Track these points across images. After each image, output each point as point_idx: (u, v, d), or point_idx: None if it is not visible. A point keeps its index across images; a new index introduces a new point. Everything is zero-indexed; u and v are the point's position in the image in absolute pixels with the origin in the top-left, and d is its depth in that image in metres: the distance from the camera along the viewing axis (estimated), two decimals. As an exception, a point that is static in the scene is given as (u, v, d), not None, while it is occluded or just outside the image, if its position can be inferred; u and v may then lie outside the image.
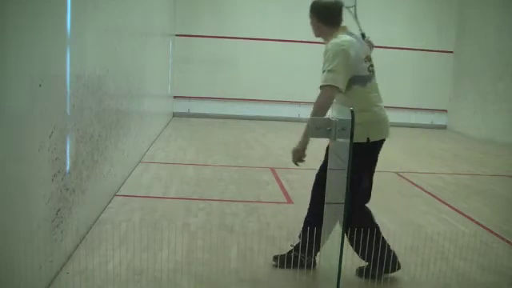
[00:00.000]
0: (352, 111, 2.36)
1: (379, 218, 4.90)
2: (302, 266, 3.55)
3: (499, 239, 4.50)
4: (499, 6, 11.16)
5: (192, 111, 12.68)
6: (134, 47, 6.34)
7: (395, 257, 3.52)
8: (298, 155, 3.36)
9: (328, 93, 3.24)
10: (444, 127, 13.13)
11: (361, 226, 3.33)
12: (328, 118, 2.52)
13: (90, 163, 4.13)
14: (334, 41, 3.36)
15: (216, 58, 12.63)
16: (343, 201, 2.44)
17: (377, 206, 5.36)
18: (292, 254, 3.63)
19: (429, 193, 6.10)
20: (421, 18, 12.80)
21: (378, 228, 3.52)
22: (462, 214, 5.22)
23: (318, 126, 2.45)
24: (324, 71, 3.29)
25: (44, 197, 3.04)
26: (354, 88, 3.33)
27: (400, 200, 5.81)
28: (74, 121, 3.58)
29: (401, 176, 6.90)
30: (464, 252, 4.01)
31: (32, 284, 2.84)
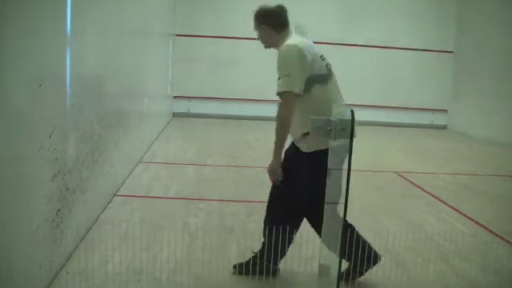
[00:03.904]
0: (352, 111, 2.35)
1: (379, 218, 4.92)
2: (261, 272, 3.43)
3: (499, 239, 4.50)
4: (499, 5, 11.17)
5: (192, 111, 12.68)
6: (133, 47, 6.34)
7: (373, 250, 3.39)
8: (277, 173, 3.30)
9: (287, 100, 3.15)
10: (444, 127, 13.13)
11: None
12: (328, 118, 2.51)
13: (90, 163, 4.13)
14: (285, 44, 3.26)
15: (216, 58, 12.63)
16: (343, 201, 2.44)
17: (377, 206, 5.40)
18: (253, 261, 3.49)
19: (429, 193, 6.10)
20: (421, 17, 12.79)
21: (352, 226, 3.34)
22: (462, 214, 5.22)
23: (317, 126, 2.45)
24: (279, 78, 3.19)
25: (44, 197, 3.04)
26: (314, 88, 3.21)
27: (400, 200, 5.81)
28: (74, 121, 3.58)
29: (401, 176, 6.89)
30: (464, 252, 4.01)
31: (32, 284, 2.84)
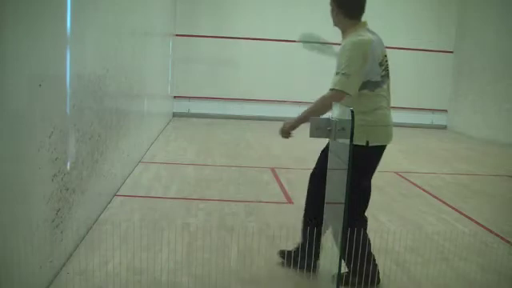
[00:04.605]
0: (352, 111, 2.35)
1: (379, 218, 4.92)
2: (302, 267, 3.48)
3: (499, 239, 4.50)
4: (499, 6, 11.17)
5: (192, 111, 12.67)
6: (133, 47, 6.34)
7: (377, 270, 3.38)
8: (287, 134, 3.38)
9: (336, 98, 3.08)
10: (444, 127, 13.12)
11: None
12: (328, 118, 2.51)
13: (90, 163, 4.13)
14: (353, 39, 3.16)
15: (216, 58, 12.63)
16: (343, 201, 2.44)
17: (377, 205, 5.39)
18: (301, 254, 3.54)
19: (429, 193, 6.10)
20: (421, 17, 12.79)
21: (369, 240, 3.37)
22: (462, 214, 5.22)
23: (317, 126, 2.45)
24: (338, 73, 3.12)
25: (44, 197, 3.04)
26: (362, 92, 3.20)
27: (400, 200, 5.81)
28: (74, 121, 3.59)
29: (401, 176, 6.90)
30: (464, 252, 4.01)
31: (32, 284, 2.85)
